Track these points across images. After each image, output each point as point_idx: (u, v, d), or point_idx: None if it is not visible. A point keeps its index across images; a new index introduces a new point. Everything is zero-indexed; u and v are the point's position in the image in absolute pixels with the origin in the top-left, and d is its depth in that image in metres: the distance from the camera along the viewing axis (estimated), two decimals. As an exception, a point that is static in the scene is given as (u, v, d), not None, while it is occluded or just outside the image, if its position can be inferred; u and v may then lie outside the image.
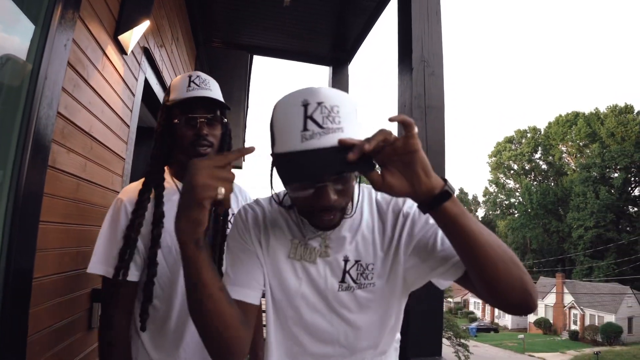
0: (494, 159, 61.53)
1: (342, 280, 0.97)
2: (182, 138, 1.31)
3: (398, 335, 1.08)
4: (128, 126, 2.10)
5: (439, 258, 0.91)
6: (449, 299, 46.18)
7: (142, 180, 1.33)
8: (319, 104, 0.79)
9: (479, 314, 43.29)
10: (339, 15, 3.76)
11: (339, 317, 0.98)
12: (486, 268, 0.78)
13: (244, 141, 6.49)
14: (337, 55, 4.51)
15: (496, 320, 40.12)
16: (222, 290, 0.84)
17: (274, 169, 0.86)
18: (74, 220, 1.52)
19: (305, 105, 0.79)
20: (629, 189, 45.49)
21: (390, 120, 0.78)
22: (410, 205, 1.00)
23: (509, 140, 60.43)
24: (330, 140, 0.77)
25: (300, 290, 0.98)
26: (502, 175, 61.10)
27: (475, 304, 44.45)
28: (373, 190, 1.05)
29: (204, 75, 1.35)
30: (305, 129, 0.78)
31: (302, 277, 0.98)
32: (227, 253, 1.02)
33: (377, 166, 0.80)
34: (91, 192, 1.67)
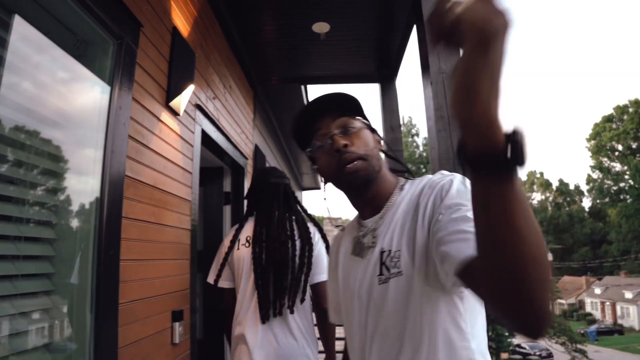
0: (592, 142, 56.20)
1: (380, 273, 0.95)
2: None
3: (470, 346, 0.87)
4: (190, 173, 2.50)
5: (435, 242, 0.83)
6: (561, 301, 42.35)
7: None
8: None
9: (598, 315, 38.97)
10: (377, 35, 3.97)
11: (371, 312, 0.98)
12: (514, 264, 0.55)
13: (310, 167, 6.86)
14: (383, 72, 4.73)
15: (619, 321, 35.63)
16: None
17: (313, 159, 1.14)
18: (148, 256, 1.90)
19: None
20: None
21: None
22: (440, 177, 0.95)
23: (608, 119, 54.76)
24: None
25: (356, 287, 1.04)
26: (605, 159, 55.52)
27: (592, 304, 40.18)
28: (436, 177, 0.97)
29: None
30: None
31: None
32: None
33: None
34: (162, 233, 2.05)
